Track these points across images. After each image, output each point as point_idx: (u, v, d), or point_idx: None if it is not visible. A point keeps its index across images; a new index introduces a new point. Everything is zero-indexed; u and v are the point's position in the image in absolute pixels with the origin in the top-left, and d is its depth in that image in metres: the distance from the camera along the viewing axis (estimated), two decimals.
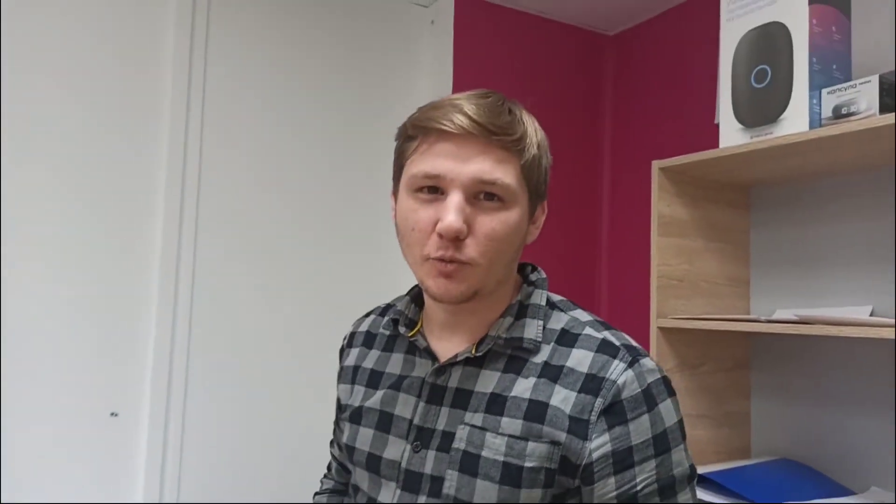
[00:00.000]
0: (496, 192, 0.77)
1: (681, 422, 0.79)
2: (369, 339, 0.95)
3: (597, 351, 0.79)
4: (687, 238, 1.53)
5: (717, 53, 1.77)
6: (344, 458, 1.00)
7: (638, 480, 0.74)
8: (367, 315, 1.01)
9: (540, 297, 0.85)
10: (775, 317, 1.45)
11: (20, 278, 1.46)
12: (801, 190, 1.55)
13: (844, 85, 1.22)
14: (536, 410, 0.77)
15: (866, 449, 1.39)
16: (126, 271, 1.57)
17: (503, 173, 0.77)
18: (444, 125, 0.76)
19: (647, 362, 0.78)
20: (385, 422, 0.85)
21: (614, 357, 0.78)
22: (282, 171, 1.77)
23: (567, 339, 0.81)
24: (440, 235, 0.76)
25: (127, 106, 1.59)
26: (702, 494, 1.33)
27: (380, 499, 0.83)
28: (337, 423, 1.04)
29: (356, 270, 1.86)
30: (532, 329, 0.82)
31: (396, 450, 0.82)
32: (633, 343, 0.81)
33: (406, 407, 0.83)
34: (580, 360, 0.78)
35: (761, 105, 1.33)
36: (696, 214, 1.55)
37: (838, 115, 1.22)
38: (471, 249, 0.76)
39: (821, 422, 1.48)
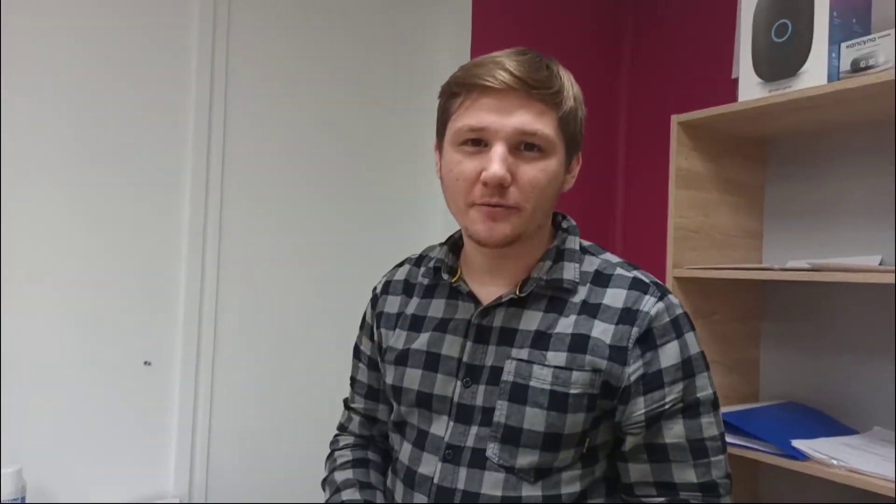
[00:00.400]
0: (536, 142, 0.82)
1: (703, 353, 0.87)
2: (408, 288, 1.00)
3: (629, 288, 0.86)
4: (703, 191, 1.57)
5: (735, 8, 1.79)
6: (373, 408, 1.06)
7: (667, 400, 0.82)
8: (400, 265, 1.06)
9: (574, 243, 0.91)
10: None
11: (53, 232, 1.51)
12: (817, 145, 1.58)
13: (864, 38, 1.24)
14: (579, 342, 0.84)
15: (869, 391, 1.46)
16: (156, 223, 1.62)
17: (543, 125, 0.82)
18: (488, 81, 0.81)
19: (673, 298, 0.87)
20: (432, 361, 0.90)
21: (645, 293, 0.86)
22: (304, 133, 1.80)
23: (601, 279, 0.88)
24: (485, 184, 0.80)
25: (155, 77, 1.60)
26: None
27: (432, 430, 0.89)
28: (355, 378, 1.08)
29: (385, 225, 1.90)
30: (570, 271, 0.88)
31: (447, 386, 0.88)
32: (659, 282, 0.89)
33: (453, 347, 0.89)
34: (615, 297, 0.86)
35: (781, 59, 1.36)
36: (713, 168, 1.58)
37: (856, 68, 1.25)
38: (514, 196, 0.82)
39: (826, 367, 1.54)
